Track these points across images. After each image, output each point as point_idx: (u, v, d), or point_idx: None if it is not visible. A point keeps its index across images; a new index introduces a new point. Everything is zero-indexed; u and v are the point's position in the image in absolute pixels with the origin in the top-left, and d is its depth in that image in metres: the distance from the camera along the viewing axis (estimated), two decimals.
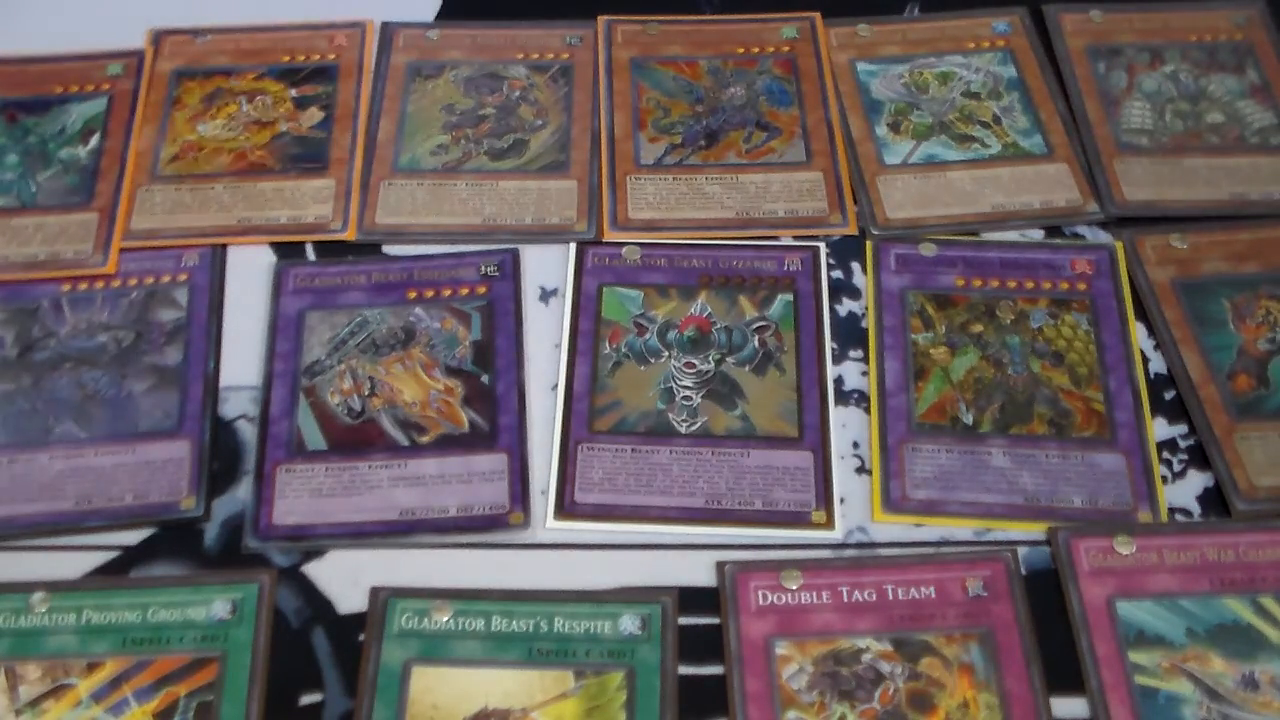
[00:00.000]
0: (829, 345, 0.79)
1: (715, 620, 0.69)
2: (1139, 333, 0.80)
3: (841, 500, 0.73)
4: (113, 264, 0.83)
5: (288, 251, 0.84)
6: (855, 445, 0.76)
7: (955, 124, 0.90)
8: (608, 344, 0.80)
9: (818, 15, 0.96)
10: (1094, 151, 0.88)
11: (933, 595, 0.69)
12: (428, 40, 0.95)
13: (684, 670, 0.67)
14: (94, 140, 0.89)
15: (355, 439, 0.76)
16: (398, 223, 0.85)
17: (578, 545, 0.72)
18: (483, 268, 0.83)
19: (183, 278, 0.83)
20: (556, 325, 0.81)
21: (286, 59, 0.94)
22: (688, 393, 0.77)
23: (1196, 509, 0.73)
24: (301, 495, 0.73)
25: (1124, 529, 0.71)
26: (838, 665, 0.67)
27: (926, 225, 0.85)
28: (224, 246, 0.84)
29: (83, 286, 0.82)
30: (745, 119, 0.91)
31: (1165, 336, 0.79)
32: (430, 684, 0.66)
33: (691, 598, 0.70)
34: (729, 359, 0.79)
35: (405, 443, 0.76)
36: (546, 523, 0.73)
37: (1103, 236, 0.84)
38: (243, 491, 0.74)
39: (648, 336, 0.80)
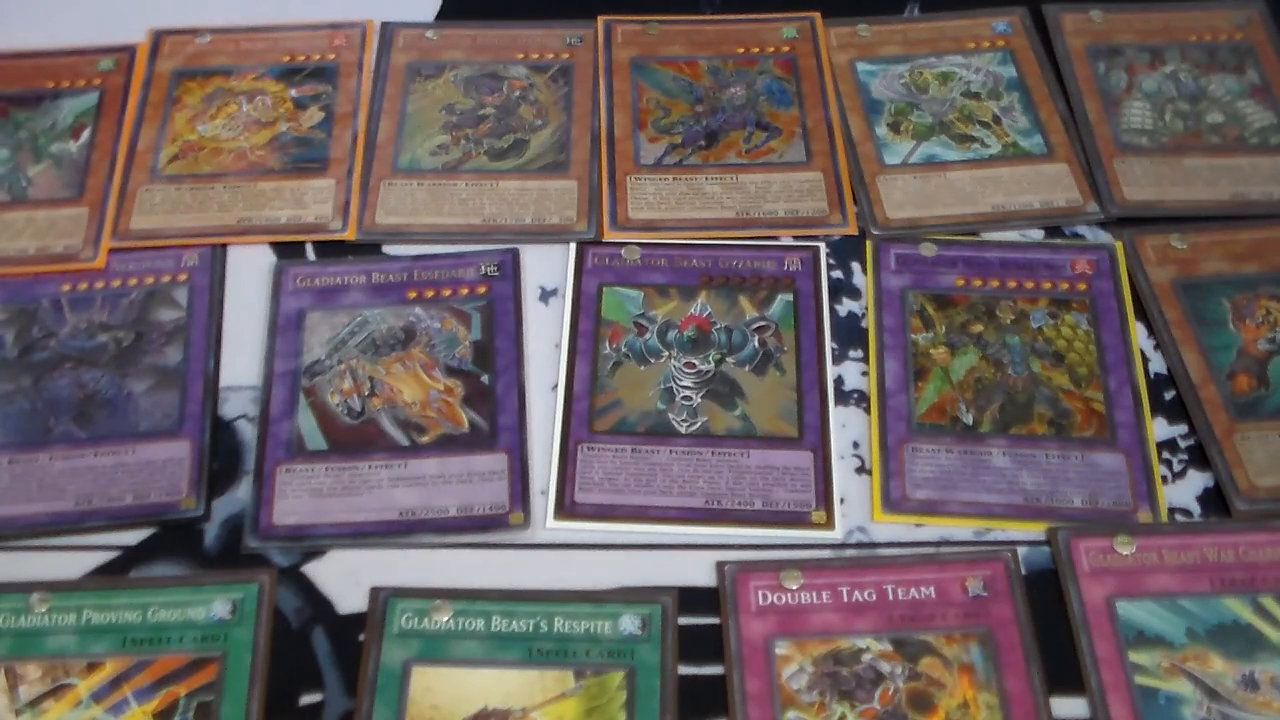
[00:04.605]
0: (829, 345, 0.79)
1: (715, 620, 0.69)
2: (1139, 333, 0.80)
3: (841, 500, 0.73)
4: (102, 259, 0.83)
5: (288, 251, 0.84)
6: (855, 445, 0.76)
7: (955, 124, 0.90)
8: (608, 344, 0.80)
9: (818, 15, 0.96)
10: (1094, 151, 0.88)
11: (933, 595, 0.69)
12: (428, 40, 0.95)
13: (684, 670, 0.67)
14: (85, 135, 0.89)
15: (355, 439, 0.76)
16: (398, 223, 0.85)
17: (578, 545, 0.72)
18: (483, 268, 0.83)
19: (183, 278, 0.83)
20: (556, 325, 0.81)
21: (286, 59, 0.94)
22: (688, 393, 0.77)
23: (1196, 509, 0.73)
24: (301, 495, 0.73)
25: (1124, 529, 0.71)
26: (838, 665, 0.67)
27: (926, 225, 0.85)
28: (224, 246, 0.84)
29: (82, 286, 0.82)
30: (745, 119, 0.91)
31: (1165, 336, 0.79)
32: (430, 684, 0.66)
33: (691, 598, 0.70)
34: (729, 359, 0.79)
35: (405, 443, 0.76)
36: (546, 523, 0.73)
37: (1103, 236, 0.85)
38: (243, 491, 0.74)
39: (648, 336, 0.80)
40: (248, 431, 0.77)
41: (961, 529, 0.72)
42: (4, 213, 0.85)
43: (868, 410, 0.77)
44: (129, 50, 0.94)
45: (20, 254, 0.83)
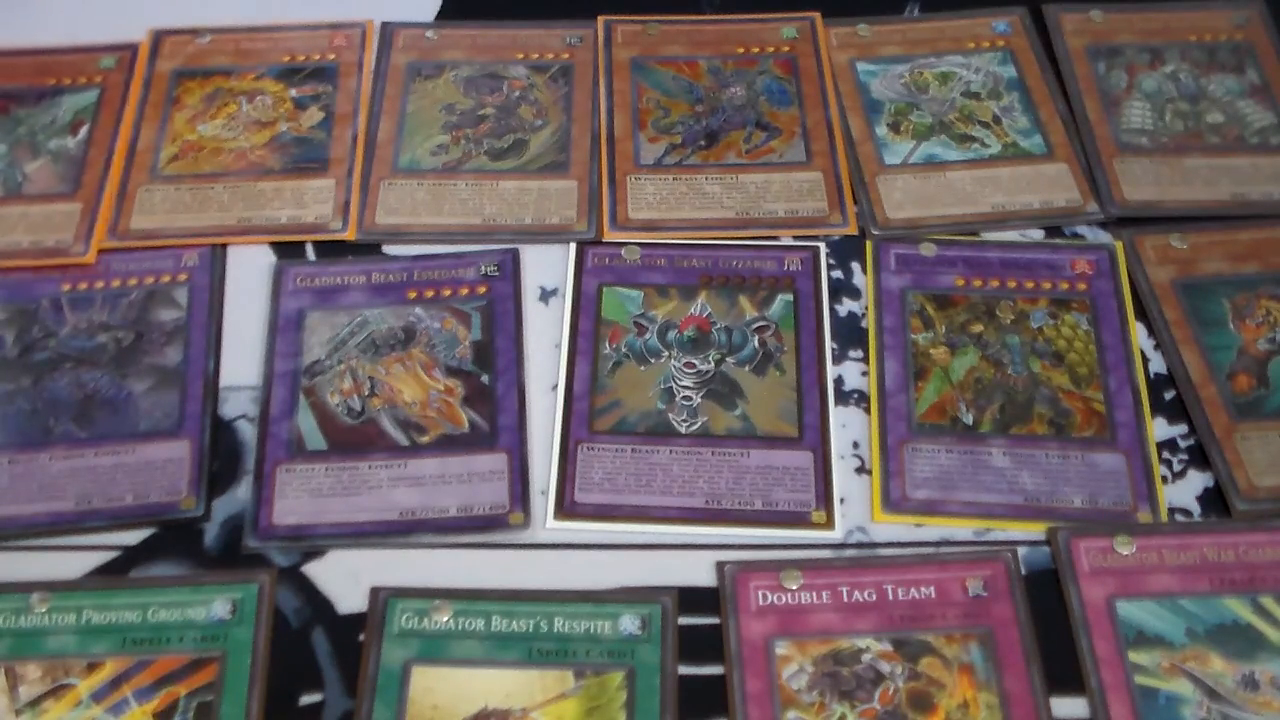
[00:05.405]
0: (829, 345, 0.79)
1: (715, 620, 0.69)
2: (1139, 333, 0.80)
3: (841, 500, 0.73)
4: (93, 254, 0.83)
5: (288, 251, 0.84)
6: (855, 445, 0.76)
7: (955, 124, 0.90)
8: (608, 344, 0.80)
9: (818, 15, 0.96)
10: (1094, 151, 0.88)
11: (933, 595, 0.69)
12: (428, 40, 0.95)
13: (684, 670, 0.67)
14: (83, 131, 0.89)
15: (355, 439, 0.76)
16: (398, 223, 0.85)
17: (578, 545, 0.72)
18: (483, 268, 0.83)
19: (183, 278, 0.83)
20: (556, 325, 0.81)
21: (286, 59, 0.94)
22: (688, 393, 0.77)
23: (1196, 509, 0.73)
24: (301, 495, 0.73)
25: (1124, 529, 0.71)
26: (838, 665, 0.67)
27: (926, 225, 0.85)
28: (224, 246, 0.84)
29: (82, 286, 0.82)
30: (745, 119, 0.91)
31: (1165, 336, 0.79)
32: (430, 684, 0.66)
33: (691, 598, 0.70)
34: (729, 359, 0.79)
35: (405, 443, 0.76)
36: (546, 523, 0.73)
37: (1103, 236, 0.85)
38: (243, 491, 0.74)
39: (648, 336, 0.80)
40: (248, 431, 0.77)
41: (961, 529, 0.72)
42: (0, 208, 0.86)
43: (868, 410, 0.77)
44: (131, 48, 0.94)
45: (14, 248, 0.83)
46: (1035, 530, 0.72)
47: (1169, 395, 0.78)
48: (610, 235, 0.84)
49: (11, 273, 0.83)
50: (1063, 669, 0.67)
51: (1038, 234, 0.85)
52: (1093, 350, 0.79)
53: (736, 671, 0.67)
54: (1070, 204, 0.86)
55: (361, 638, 0.69)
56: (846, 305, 0.82)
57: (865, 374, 0.79)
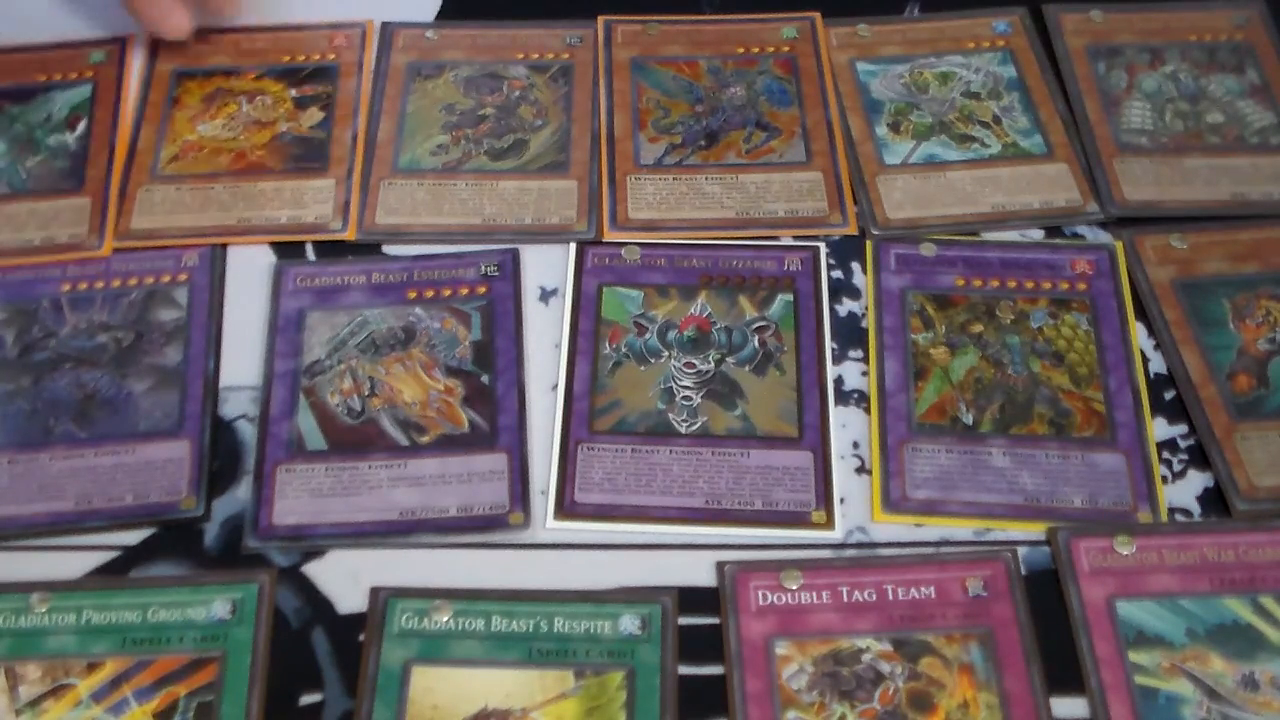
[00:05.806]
0: (829, 345, 0.79)
1: (715, 620, 0.69)
2: (1139, 333, 0.80)
3: (841, 500, 0.73)
4: (108, 246, 0.83)
5: (288, 251, 0.84)
6: (855, 445, 0.76)
7: (955, 124, 0.90)
8: (608, 344, 0.80)
9: (818, 15, 0.96)
10: (1094, 151, 0.88)
11: (933, 595, 0.69)
12: (428, 40, 0.95)
13: (684, 670, 0.67)
14: (81, 126, 0.89)
15: (355, 439, 0.76)
16: (398, 223, 0.85)
17: (578, 545, 0.72)
18: (483, 268, 0.83)
19: (182, 278, 0.83)
20: (556, 325, 0.81)
21: (286, 59, 0.94)
22: (688, 393, 0.77)
23: (1196, 509, 0.73)
24: (301, 495, 0.73)
25: (1124, 529, 0.71)
26: (838, 665, 0.67)
27: (926, 225, 0.85)
28: (224, 246, 0.84)
29: (82, 286, 0.82)
30: (745, 119, 0.91)
31: (1165, 336, 0.79)
32: (430, 684, 0.66)
33: (691, 598, 0.70)
34: (729, 359, 0.79)
35: (405, 443, 0.76)
36: (546, 523, 0.73)
37: (1103, 236, 0.85)
38: (243, 491, 0.74)
39: (648, 336, 0.80)
40: (248, 431, 0.77)
41: (961, 529, 0.72)
42: (5, 205, 0.86)
43: (868, 410, 0.77)
44: (119, 41, 0.94)
45: (25, 245, 0.84)
46: (1035, 530, 0.72)
47: (1169, 395, 0.78)
48: (610, 235, 0.84)
49: (14, 271, 0.83)
50: (1063, 669, 0.67)
51: (1038, 234, 0.85)
52: (1093, 350, 0.79)
53: (736, 671, 0.67)
54: (1070, 204, 0.86)
55: (361, 638, 0.69)
56: (846, 305, 0.82)
57: (865, 374, 0.79)
